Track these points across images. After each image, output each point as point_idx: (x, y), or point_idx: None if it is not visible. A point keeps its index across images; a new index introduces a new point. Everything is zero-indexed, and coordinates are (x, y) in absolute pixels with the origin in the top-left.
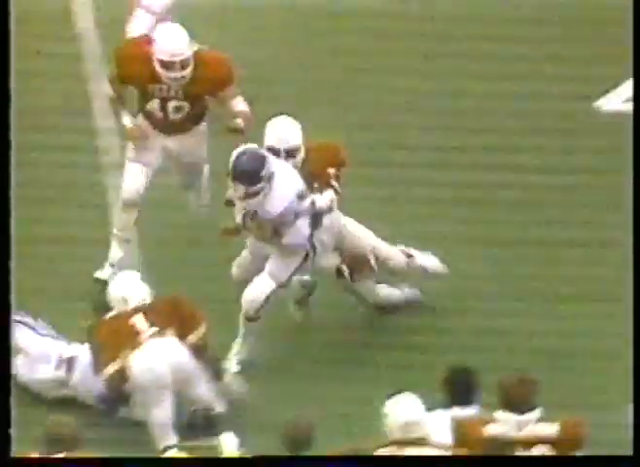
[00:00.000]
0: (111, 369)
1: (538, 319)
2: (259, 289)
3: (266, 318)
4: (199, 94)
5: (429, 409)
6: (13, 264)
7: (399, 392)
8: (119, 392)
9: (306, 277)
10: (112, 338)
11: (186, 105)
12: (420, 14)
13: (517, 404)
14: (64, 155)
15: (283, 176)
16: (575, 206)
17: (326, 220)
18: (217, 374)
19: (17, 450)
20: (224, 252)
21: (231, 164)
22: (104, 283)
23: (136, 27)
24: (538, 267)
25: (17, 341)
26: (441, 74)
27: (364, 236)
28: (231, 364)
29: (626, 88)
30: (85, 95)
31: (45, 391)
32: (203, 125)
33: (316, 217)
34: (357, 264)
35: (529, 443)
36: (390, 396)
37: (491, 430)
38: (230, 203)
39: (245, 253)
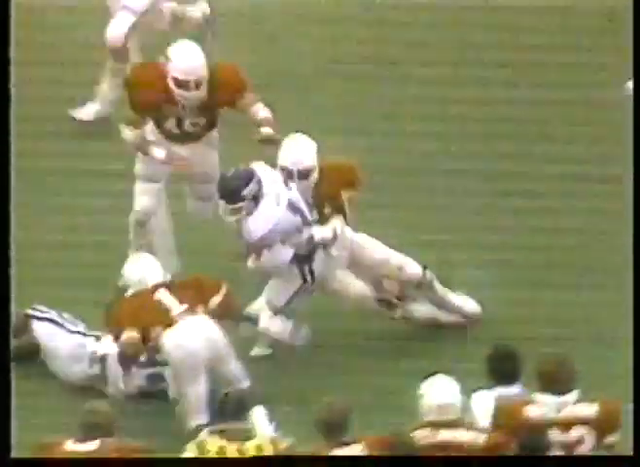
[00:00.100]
0: (130, 333)
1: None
2: (264, 325)
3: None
4: (216, 108)
5: (473, 390)
6: (13, 264)
7: (434, 374)
8: (134, 359)
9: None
10: (136, 312)
11: (202, 120)
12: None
13: (556, 385)
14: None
15: (273, 201)
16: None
17: (333, 250)
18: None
19: (49, 438)
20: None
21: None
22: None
23: (117, 28)
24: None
25: (45, 341)
26: (452, 82)
27: (378, 251)
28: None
29: None
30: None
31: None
32: (215, 133)
33: (315, 248)
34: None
35: (568, 424)
36: (426, 378)
37: (531, 412)
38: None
39: None
